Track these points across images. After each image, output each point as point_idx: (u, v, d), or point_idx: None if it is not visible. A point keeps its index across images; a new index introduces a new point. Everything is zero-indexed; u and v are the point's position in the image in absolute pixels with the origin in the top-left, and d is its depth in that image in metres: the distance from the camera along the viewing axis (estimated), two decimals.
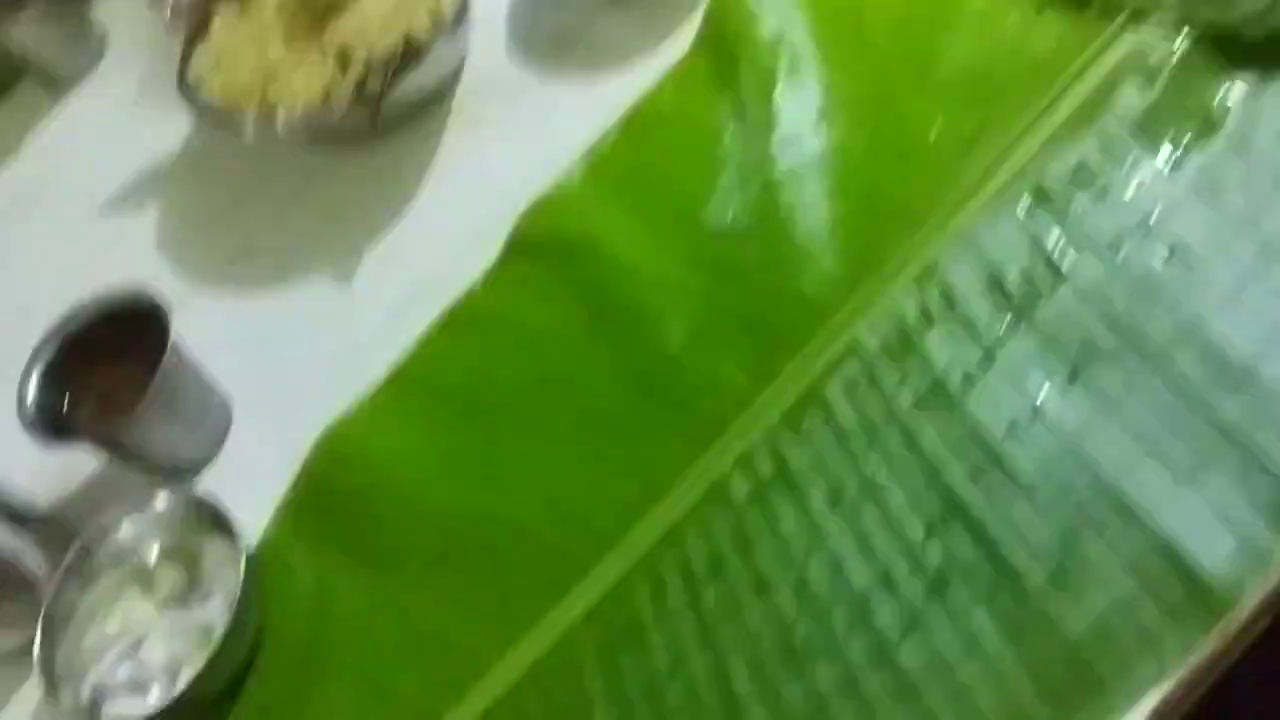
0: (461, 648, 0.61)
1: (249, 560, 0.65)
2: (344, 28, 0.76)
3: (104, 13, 1.01)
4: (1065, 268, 0.59)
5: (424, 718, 0.60)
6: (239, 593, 0.64)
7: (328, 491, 0.69)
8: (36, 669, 0.65)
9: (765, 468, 0.59)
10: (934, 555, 0.54)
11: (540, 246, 0.72)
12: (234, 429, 0.75)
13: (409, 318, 0.73)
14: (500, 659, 0.60)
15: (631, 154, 0.74)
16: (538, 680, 0.59)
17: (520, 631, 0.61)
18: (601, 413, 0.65)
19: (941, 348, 0.59)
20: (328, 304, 0.78)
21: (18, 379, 0.71)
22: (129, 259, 0.85)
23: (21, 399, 0.71)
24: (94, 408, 0.72)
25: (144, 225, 0.87)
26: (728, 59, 0.74)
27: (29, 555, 0.69)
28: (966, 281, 0.60)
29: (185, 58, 0.83)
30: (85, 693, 0.65)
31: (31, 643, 0.66)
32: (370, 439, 0.69)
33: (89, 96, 0.99)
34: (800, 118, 0.69)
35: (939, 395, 0.58)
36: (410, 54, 0.75)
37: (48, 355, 0.73)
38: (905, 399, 0.58)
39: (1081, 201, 0.60)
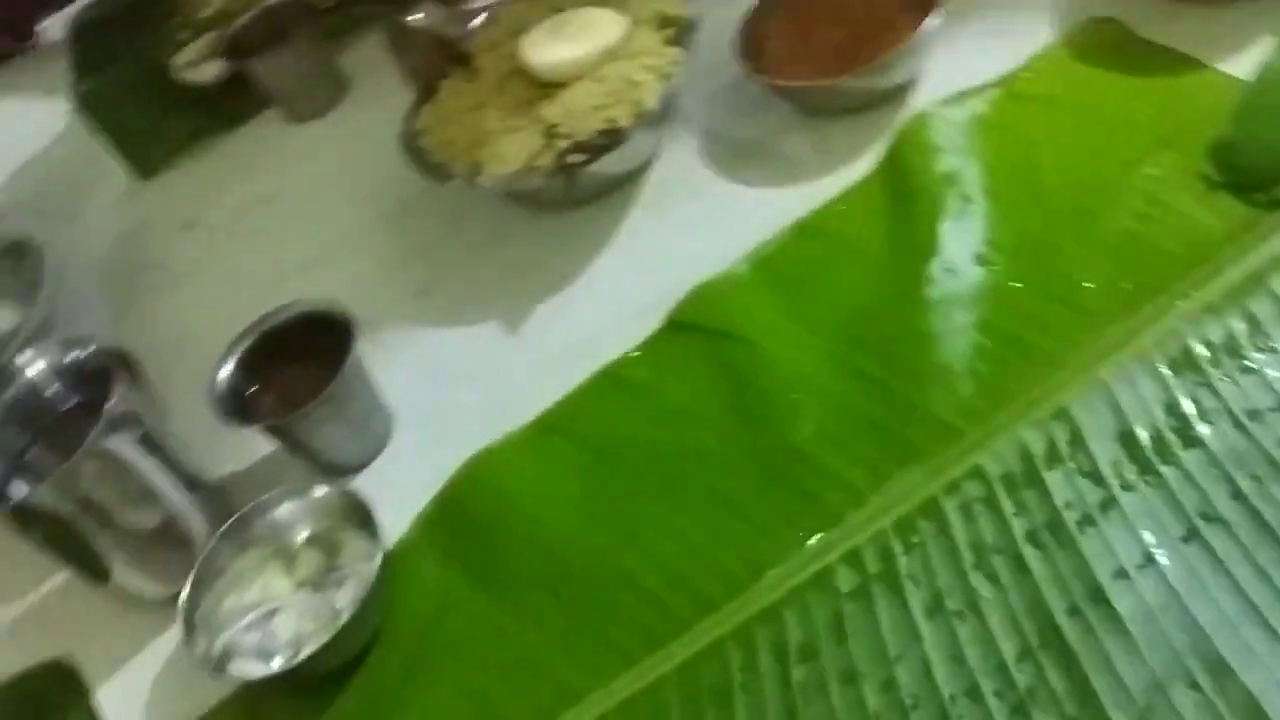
0: (558, 676, 0.66)
1: (384, 559, 0.71)
2: (555, 108, 0.84)
3: (350, 61, 1.12)
4: (1198, 433, 0.61)
5: None
6: (370, 585, 0.70)
7: (464, 512, 0.75)
8: (180, 617, 0.72)
9: (872, 565, 0.62)
10: (1023, 679, 0.56)
11: (697, 326, 0.77)
12: (392, 442, 0.81)
13: (565, 370, 0.79)
14: (592, 693, 0.64)
15: (796, 258, 0.79)
16: (624, 718, 0.62)
17: (615, 671, 0.64)
18: (726, 487, 0.69)
19: (1063, 486, 0.61)
20: (494, 346, 0.84)
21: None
22: (329, 276, 0.94)
23: (213, 380, 0.79)
24: (274, 399, 0.80)
25: (349, 249, 0.97)
26: (902, 187, 0.78)
27: (192, 517, 0.77)
28: (1098, 428, 0.63)
29: (413, 111, 0.92)
30: (217, 648, 0.72)
31: (178, 595, 0.74)
32: (511, 472, 0.75)
33: (323, 132, 1.09)
34: (961, 250, 0.73)
35: (1054, 530, 0.60)
36: (610, 138, 0.82)
37: (244, 345, 0.81)
38: (1019, 528, 0.61)
39: (1224, 372, 0.62)
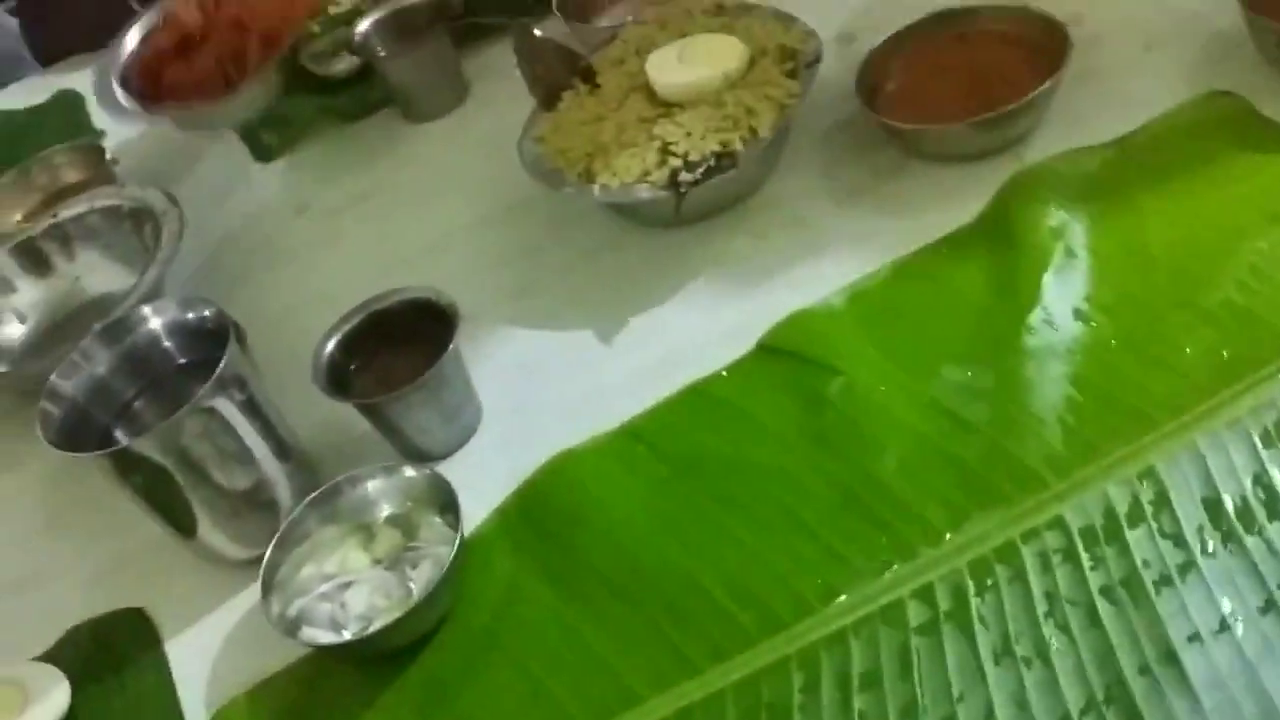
0: (620, 677, 0.67)
1: (461, 543, 0.73)
2: (671, 128, 0.86)
3: (473, 66, 1.16)
4: None
5: None
6: (445, 567, 0.72)
7: (543, 507, 0.76)
8: (260, 578, 0.74)
9: (944, 602, 0.63)
10: None
11: (788, 352, 0.78)
12: (480, 432, 0.84)
13: (654, 382, 0.80)
14: (652, 697, 0.65)
15: (894, 295, 0.79)
16: None
17: (676, 679, 0.65)
18: (803, 510, 0.70)
19: (1143, 545, 0.61)
20: (586, 351, 0.86)
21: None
22: (434, 268, 0.96)
23: (317, 354, 0.82)
24: (373, 379, 0.82)
25: (455, 244, 0.99)
26: (1008, 236, 0.79)
27: (281, 484, 0.80)
28: (1184, 491, 0.63)
29: (533, 118, 0.95)
30: (291, 612, 0.74)
31: (257, 559, 0.76)
32: (593, 473, 0.76)
33: (441, 133, 1.12)
34: (1062, 303, 0.74)
35: (1130, 588, 0.60)
36: (723, 162, 0.84)
37: (349, 324, 0.84)
38: (1096, 581, 0.61)
39: None
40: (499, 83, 1.09)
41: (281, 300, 1.02)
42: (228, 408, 0.75)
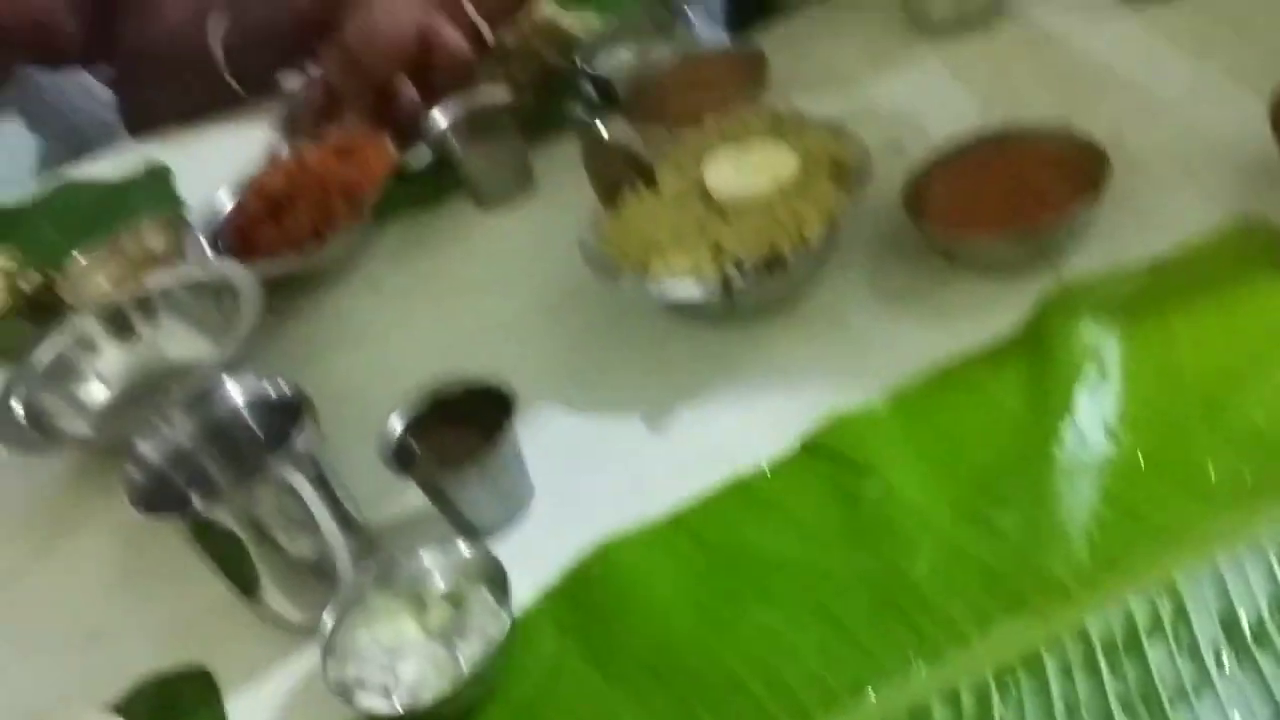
0: None
1: (511, 623, 0.77)
2: (726, 230, 0.91)
3: (543, 159, 1.22)
4: None
5: None
6: (496, 644, 0.75)
7: (589, 591, 0.80)
8: (320, 642, 0.79)
9: (968, 705, 0.66)
10: None
11: (830, 452, 0.82)
12: (530, 511, 0.88)
13: (699, 472, 0.84)
14: None
15: (933, 402, 0.83)
16: None
17: None
18: (837, 607, 0.73)
19: (1161, 659, 0.64)
20: (635, 440, 0.90)
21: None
22: (494, 352, 1.02)
23: (382, 432, 0.87)
24: (433, 457, 0.87)
25: (516, 330, 1.05)
26: (1044, 351, 0.82)
27: (343, 553, 0.84)
28: (1203, 608, 0.65)
29: (594, 215, 1.00)
30: (348, 675, 0.78)
31: (315, 624, 0.80)
32: (639, 561, 0.80)
33: (509, 223, 1.19)
34: (1092, 420, 0.77)
35: (1147, 702, 0.63)
36: (772, 264, 0.89)
37: (414, 405, 0.89)
38: (1114, 692, 0.64)
39: None
40: (564, 175, 1.15)
41: (350, 378, 1.08)
42: (298, 479, 0.80)
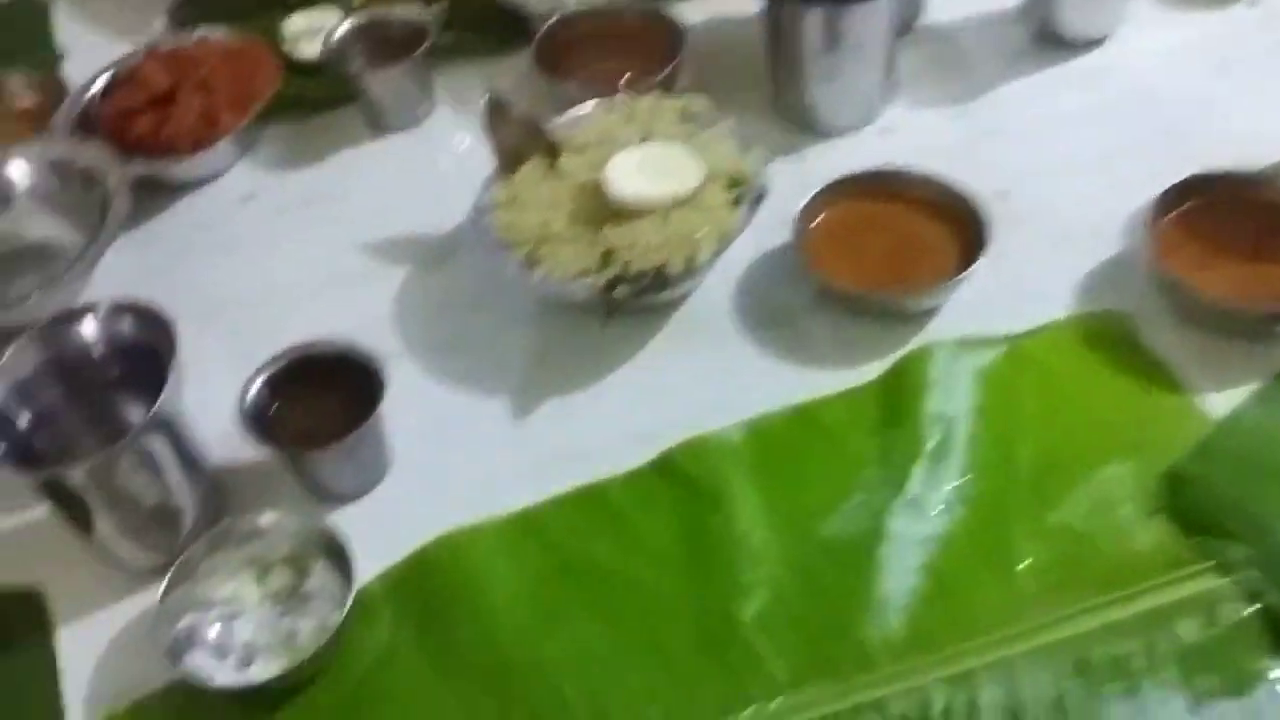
0: None
1: (350, 605, 0.78)
2: (618, 234, 0.91)
3: (448, 86, 1.18)
4: None
5: None
6: (332, 620, 0.77)
7: (429, 580, 0.82)
8: (161, 591, 0.79)
9: None
10: None
11: (683, 476, 0.85)
12: (385, 482, 0.89)
13: (557, 468, 0.86)
14: None
15: (787, 439, 0.86)
16: None
17: None
18: (665, 639, 0.77)
19: None
20: (497, 425, 0.91)
21: (248, 366, 0.87)
22: (373, 296, 1.01)
23: (242, 394, 0.86)
24: (294, 421, 0.86)
25: (399, 277, 1.03)
26: (893, 410, 0.86)
27: (188, 506, 0.84)
28: (992, 703, 0.71)
29: (493, 178, 0.98)
30: (181, 627, 0.79)
31: (156, 569, 0.81)
32: (482, 557, 0.82)
33: (401, 148, 1.15)
34: (928, 491, 0.81)
35: None
36: (658, 282, 0.90)
37: (276, 366, 0.87)
38: None
39: (1112, 688, 0.71)
40: (466, 110, 1.12)
41: (215, 291, 1.05)
42: (157, 445, 0.79)
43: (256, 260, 1.08)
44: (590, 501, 0.85)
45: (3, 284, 1.04)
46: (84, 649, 0.83)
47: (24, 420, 0.82)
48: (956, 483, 0.82)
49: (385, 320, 0.99)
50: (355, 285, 1.03)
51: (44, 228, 1.09)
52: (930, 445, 0.84)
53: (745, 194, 0.93)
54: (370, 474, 0.89)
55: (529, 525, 0.84)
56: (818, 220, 0.96)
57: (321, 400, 0.87)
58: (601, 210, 0.93)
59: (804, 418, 0.88)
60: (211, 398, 0.86)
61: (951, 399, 0.86)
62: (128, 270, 1.05)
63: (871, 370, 0.90)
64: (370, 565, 0.83)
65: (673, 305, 0.96)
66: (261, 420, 0.86)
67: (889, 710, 0.72)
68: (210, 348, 0.94)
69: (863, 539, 0.80)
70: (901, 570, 0.78)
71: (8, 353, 0.82)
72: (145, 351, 0.82)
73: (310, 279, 1.04)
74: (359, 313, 0.98)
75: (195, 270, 1.07)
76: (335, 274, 1.04)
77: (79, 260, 1.01)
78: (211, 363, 0.91)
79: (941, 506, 0.81)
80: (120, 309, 0.85)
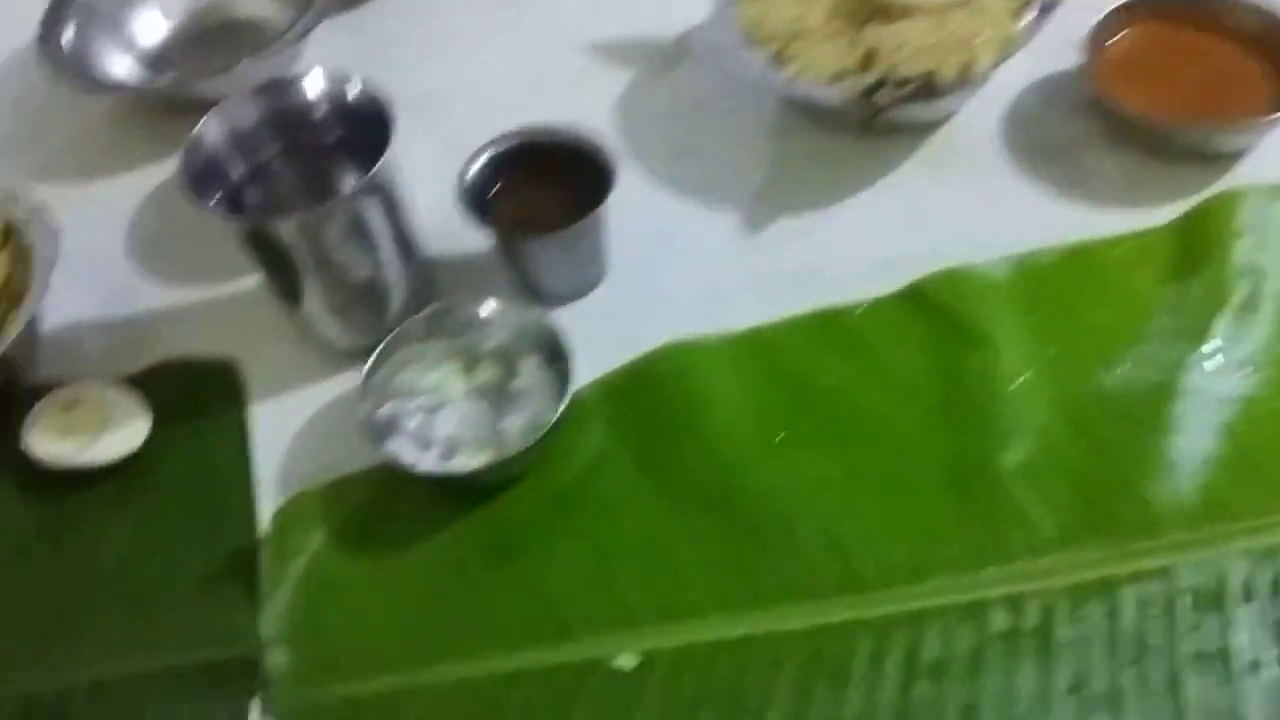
0: (687, 585, 0.67)
1: (571, 400, 0.71)
2: (883, 34, 0.80)
3: None
4: None
5: (629, 615, 0.66)
6: (544, 419, 0.71)
7: (650, 393, 0.75)
8: (365, 372, 0.74)
9: (1031, 617, 0.62)
10: None
11: (939, 308, 0.76)
12: (602, 289, 0.81)
13: (790, 290, 0.78)
14: (712, 614, 0.65)
15: (1064, 280, 0.76)
16: (736, 653, 0.64)
17: (742, 605, 0.65)
18: (910, 479, 0.69)
19: (1246, 627, 0.60)
20: (729, 238, 0.83)
21: (456, 162, 0.79)
22: (596, 97, 0.93)
23: (462, 173, 0.79)
24: (512, 207, 0.79)
25: (627, 77, 0.95)
26: (1193, 257, 0.75)
27: (398, 287, 0.78)
28: None
29: None
30: (382, 414, 0.74)
31: (359, 351, 0.76)
32: (710, 374, 0.75)
33: None
34: (1232, 348, 0.71)
35: (1222, 664, 0.60)
36: (926, 91, 0.79)
37: (502, 147, 0.80)
38: (1188, 646, 0.60)
39: None
40: None
41: (424, 84, 0.97)
42: (371, 208, 0.73)
43: (469, 56, 1.00)
44: (829, 326, 0.76)
45: (211, 56, 1.00)
46: (278, 427, 0.79)
47: (238, 172, 0.76)
48: (1265, 342, 0.71)
49: (606, 123, 0.91)
50: (576, 86, 0.95)
51: (253, 4, 1.04)
52: (1238, 297, 0.72)
53: (1033, 1, 0.82)
54: (587, 275, 0.81)
55: (759, 344, 0.76)
56: (1113, 42, 0.84)
57: (544, 191, 0.80)
58: (865, 6, 0.82)
59: (1082, 258, 0.77)
60: (419, 192, 0.80)
61: (1265, 249, 0.74)
62: (336, 57, 0.98)
63: (1163, 214, 0.78)
64: (582, 370, 0.76)
65: (934, 125, 0.86)
66: (480, 201, 0.79)
67: (1177, 581, 0.62)
68: (419, 141, 0.87)
69: (1151, 392, 0.69)
70: (1197, 430, 0.68)
71: (227, 102, 0.76)
72: (364, 122, 0.76)
73: (527, 78, 0.96)
74: (579, 114, 0.90)
75: (405, 61, 1.00)
76: (554, 74, 0.96)
77: (286, 34, 0.95)
78: (420, 156, 0.83)
79: (1245, 367, 0.70)
80: (343, 77, 0.79)
